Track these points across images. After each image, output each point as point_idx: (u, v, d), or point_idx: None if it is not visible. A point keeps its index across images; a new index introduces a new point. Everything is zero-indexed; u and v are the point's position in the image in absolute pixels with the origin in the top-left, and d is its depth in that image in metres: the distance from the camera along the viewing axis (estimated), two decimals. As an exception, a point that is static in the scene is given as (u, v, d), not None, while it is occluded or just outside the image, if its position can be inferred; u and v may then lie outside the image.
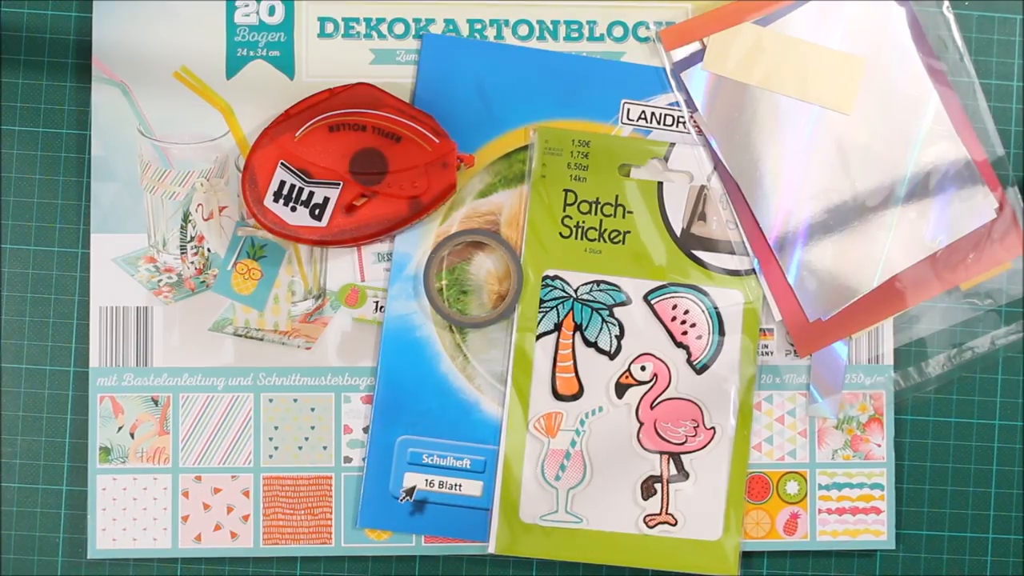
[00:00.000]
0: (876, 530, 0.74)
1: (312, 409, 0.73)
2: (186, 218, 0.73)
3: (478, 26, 0.74)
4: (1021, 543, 0.76)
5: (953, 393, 0.75)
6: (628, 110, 0.73)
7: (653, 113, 0.73)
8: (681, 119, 0.74)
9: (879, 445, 0.74)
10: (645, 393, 0.73)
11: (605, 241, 0.73)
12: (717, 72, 0.73)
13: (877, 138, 0.73)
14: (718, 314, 0.73)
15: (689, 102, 0.73)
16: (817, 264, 0.73)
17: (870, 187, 0.73)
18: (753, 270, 0.73)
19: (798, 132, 0.73)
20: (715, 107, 0.73)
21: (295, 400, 0.73)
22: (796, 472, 0.74)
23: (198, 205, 0.73)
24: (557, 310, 0.73)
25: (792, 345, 0.74)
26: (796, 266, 0.73)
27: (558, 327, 0.73)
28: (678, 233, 0.73)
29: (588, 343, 0.73)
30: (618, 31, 0.74)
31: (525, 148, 0.73)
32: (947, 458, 0.75)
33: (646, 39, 0.74)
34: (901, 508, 0.75)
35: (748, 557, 0.75)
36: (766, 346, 0.74)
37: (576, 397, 0.73)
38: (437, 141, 0.71)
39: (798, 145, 0.73)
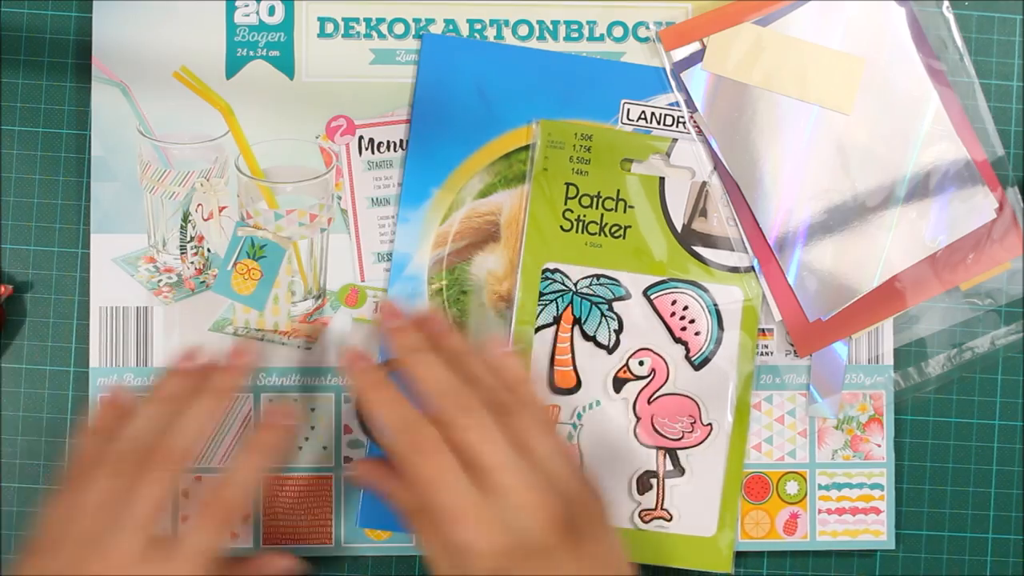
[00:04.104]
0: (876, 530, 0.74)
1: (312, 409, 0.73)
2: (186, 218, 0.73)
3: (478, 26, 0.74)
4: (1021, 543, 0.76)
5: (953, 393, 0.75)
6: (628, 110, 0.73)
7: (653, 113, 0.73)
8: (681, 119, 0.74)
9: (879, 445, 0.74)
10: (643, 388, 0.73)
11: (606, 235, 0.73)
12: (717, 72, 0.73)
13: (877, 138, 0.73)
14: (717, 310, 0.73)
15: (689, 102, 0.73)
16: (817, 264, 0.73)
17: (870, 187, 0.73)
18: (753, 267, 0.73)
19: (798, 132, 0.73)
20: (715, 107, 0.73)
21: (295, 400, 0.73)
22: (796, 472, 0.74)
23: (198, 205, 0.73)
24: (556, 303, 0.73)
25: (792, 345, 0.74)
26: (796, 266, 0.73)
27: (557, 320, 0.73)
28: (679, 229, 0.73)
29: (587, 337, 0.73)
30: (618, 31, 0.74)
31: (525, 148, 0.73)
32: (947, 458, 0.75)
33: (646, 39, 0.74)
34: (901, 508, 0.75)
35: (748, 557, 0.75)
36: (766, 346, 0.74)
37: (573, 390, 0.73)
38: None
39: (798, 145, 0.73)
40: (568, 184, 0.73)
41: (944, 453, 0.75)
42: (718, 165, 0.73)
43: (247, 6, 0.74)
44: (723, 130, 0.73)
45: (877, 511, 0.74)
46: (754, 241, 0.72)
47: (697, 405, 0.73)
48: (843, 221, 0.73)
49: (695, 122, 0.73)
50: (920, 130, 0.73)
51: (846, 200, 0.73)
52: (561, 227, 0.73)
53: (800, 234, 0.73)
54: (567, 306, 0.73)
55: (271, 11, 0.74)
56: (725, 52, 0.73)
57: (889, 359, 0.74)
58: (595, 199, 0.73)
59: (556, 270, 0.73)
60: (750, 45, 0.73)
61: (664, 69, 0.74)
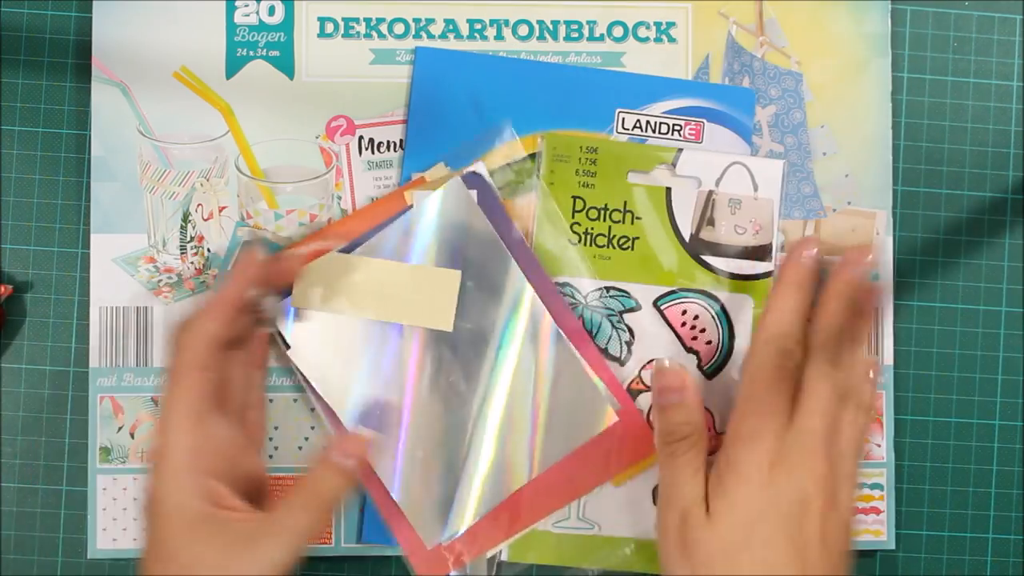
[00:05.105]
0: (876, 530, 0.74)
1: (312, 409, 0.73)
2: (186, 218, 0.73)
3: (478, 26, 0.74)
4: (1021, 543, 0.76)
5: (953, 393, 0.75)
6: (623, 119, 0.73)
7: (648, 121, 0.73)
8: (677, 127, 0.73)
9: (879, 445, 0.74)
10: (656, 399, 0.73)
11: (614, 247, 0.73)
12: (305, 307, 0.70)
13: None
14: (728, 319, 0.73)
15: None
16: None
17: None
18: (762, 275, 0.73)
19: (397, 353, 0.71)
20: (307, 342, 0.71)
21: (295, 400, 0.73)
22: (796, 472, 0.74)
23: (198, 205, 0.73)
24: (567, 317, 0.73)
25: None
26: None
27: (569, 334, 0.73)
28: (687, 238, 0.73)
29: (599, 349, 0.73)
30: (618, 31, 0.74)
31: (521, 160, 0.73)
32: (947, 458, 0.75)
33: (646, 39, 0.74)
34: (901, 508, 0.75)
35: (748, 557, 0.75)
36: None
37: (588, 404, 0.73)
38: None
39: (400, 369, 0.71)
40: (575, 197, 0.73)
41: (944, 453, 0.75)
42: (316, 397, 0.72)
43: (247, 6, 0.74)
44: (318, 365, 0.71)
45: (877, 511, 0.74)
46: None
47: (711, 415, 0.73)
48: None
49: None
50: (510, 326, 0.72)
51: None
52: (569, 240, 0.73)
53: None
54: (578, 319, 0.73)
55: (271, 11, 0.74)
56: (314, 285, 0.70)
57: (889, 359, 0.74)
58: (602, 211, 0.73)
59: (566, 284, 0.73)
60: (339, 274, 0.71)
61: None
